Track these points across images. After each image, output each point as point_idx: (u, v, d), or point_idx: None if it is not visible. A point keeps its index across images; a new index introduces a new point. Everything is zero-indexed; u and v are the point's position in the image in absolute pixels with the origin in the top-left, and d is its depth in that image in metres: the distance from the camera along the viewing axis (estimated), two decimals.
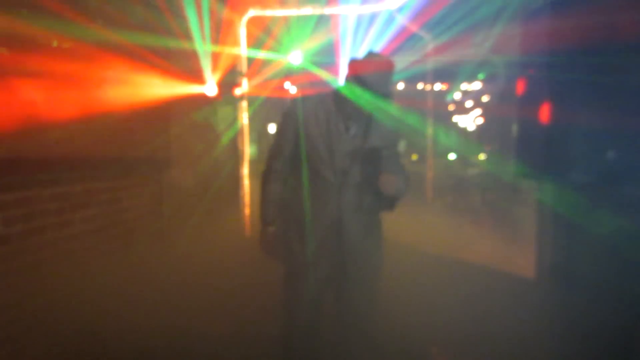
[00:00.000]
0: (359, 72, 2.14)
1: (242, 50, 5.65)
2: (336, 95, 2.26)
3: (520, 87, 2.94)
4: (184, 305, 3.66)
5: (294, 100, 2.29)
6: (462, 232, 6.59)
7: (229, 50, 5.49)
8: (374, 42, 7.01)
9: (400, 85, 11.97)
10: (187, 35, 4.64)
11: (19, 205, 2.59)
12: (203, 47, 4.82)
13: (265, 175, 2.33)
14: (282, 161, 2.29)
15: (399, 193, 2.19)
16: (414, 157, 16.88)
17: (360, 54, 2.25)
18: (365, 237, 2.33)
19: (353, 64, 2.20)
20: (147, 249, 3.86)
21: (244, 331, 3.33)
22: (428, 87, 9.07)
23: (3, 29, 2.61)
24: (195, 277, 3.91)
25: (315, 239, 2.26)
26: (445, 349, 3.52)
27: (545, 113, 2.57)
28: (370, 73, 2.14)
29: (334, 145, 2.22)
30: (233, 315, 3.60)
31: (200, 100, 4.76)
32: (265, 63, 6.79)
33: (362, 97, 2.17)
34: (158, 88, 4.30)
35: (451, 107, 12.77)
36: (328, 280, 2.35)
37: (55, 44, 3.03)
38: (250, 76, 5.93)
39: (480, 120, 12.25)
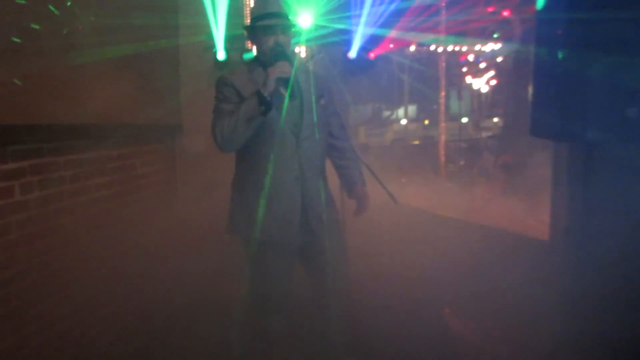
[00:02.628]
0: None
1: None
2: (264, 56, 2.30)
3: (537, 44, 2.86)
4: (198, 269, 3.73)
5: (221, 75, 2.34)
6: (475, 194, 6.57)
7: (238, 14, 5.39)
8: (386, 1, 6.84)
9: (412, 47, 11.73)
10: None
11: (35, 172, 2.62)
12: (212, 11, 4.74)
13: (214, 130, 2.24)
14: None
15: None
16: (426, 121, 16.73)
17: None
18: (324, 190, 2.42)
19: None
20: (161, 214, 3.90)
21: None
22: (440, 48, 8.89)
23: None
24: (208, 241, 3.96)
25: (280, 197, 2.30)
26: (457, 310, 3.56)
27: (562, 70, 2.50)
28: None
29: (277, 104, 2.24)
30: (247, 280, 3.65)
31: (210, 65, 4.71)
32: None
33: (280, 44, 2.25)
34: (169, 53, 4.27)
35: (464, 69, 12.52)
36: (295, 245, 2.39)
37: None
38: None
39: (494, 82, 12.02)
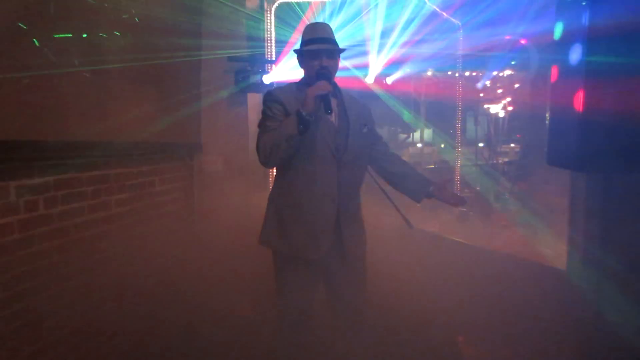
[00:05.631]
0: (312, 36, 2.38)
1: (271, 36, 5.66)
2: (309, 79, 2.38)
3: (554, 73, 2.88)
4: (213, 285, 3.74)
5: (270, 90, 2.43)
6: (491, 221, 6.52)
7: (258, 38, 5.52)
8: (403, 28, 6.93)
9: (429, 72, 11.77)
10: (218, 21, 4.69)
11: (58, 187, 2.69)
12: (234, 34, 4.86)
13: (258, 144, 2.31)
14: None
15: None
16: (442, 145, 16.65)
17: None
18: (357, 214, 2.52)
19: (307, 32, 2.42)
20: (178, 231, 3.95)
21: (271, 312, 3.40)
22: (457, 74, 8.91)
23: None
24: (224, 258, 3.98)
25: (314, 216, 2.35)
26: (471, 338, 3.51)
27: (579, 100, 2.51)
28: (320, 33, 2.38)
29: (322, 126, 2.33)
30: (261, 297, 3.65)
31: (231, 88, 4.81)
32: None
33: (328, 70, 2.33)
34: (190, 75, 4.37)
35: (481, 95, 12.49)
36: (322, 264, 2.43)
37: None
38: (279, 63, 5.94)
39: (511, 108, 11.99)
